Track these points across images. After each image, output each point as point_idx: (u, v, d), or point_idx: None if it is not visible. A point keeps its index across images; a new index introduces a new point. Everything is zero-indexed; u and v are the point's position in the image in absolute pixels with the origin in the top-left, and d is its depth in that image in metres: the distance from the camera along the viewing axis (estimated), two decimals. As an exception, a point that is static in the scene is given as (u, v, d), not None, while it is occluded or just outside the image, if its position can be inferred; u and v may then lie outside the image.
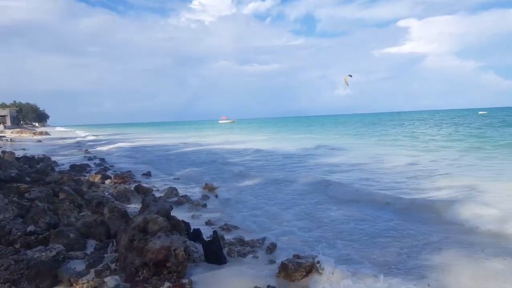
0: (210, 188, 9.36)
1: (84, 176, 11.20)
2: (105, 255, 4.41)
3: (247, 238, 5.31)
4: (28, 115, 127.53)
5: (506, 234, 5.23)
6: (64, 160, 16.81)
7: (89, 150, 23.27)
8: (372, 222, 6.24)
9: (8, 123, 79.92)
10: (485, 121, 46.70)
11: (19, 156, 15.25)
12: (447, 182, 9.13)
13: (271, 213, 6.93)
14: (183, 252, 3.88)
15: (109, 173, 12.22)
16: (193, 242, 4.71)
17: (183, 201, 7.91)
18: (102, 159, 17.15)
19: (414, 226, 5.90)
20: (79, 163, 14.17)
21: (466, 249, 4.78)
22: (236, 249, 4.76)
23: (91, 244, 4.86)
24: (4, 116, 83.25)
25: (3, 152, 15.26)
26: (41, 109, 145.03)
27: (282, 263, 4.03)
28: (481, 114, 79.68)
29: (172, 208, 5.13)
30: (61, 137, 45.75)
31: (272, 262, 4.44)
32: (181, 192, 8.83)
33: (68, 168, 12.91)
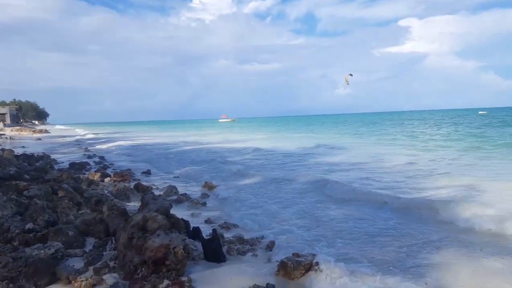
0: (209, 187, 9.37)
1: (84, 174, 11.19)
2: (104, 253, 4.41)
3: (246, 236, 5.31)
4: (28, 113, 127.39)
5: (505, 233, 5.25)
6: (63, 158, 16.81)
7: (88, 148, 23.27)
8: (371, 221, 6.24)
9: (8, 121, 79.83)
10: (484, 121, 46.73)
11: (19, 154, 15.24)
12: (446, 182, 9.13)
13: (270, 211, 6.93)
14: (182, 250, 3.87)
15: (108, 171, 12.21)
16: (192, 240, 4.71)
17: (183, 199, 7.91)
18: (102, 157, 17.14)
19: (413, 225, 5.90)
20: (78, 161, 14.17)
21: (464, 248, 4.79)
22: (236, 248, 4.77)
23: (90, 242, 4.86)
24: (4, 114, 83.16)
25: (3, 150, 15.26)
26: (41, 107, 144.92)
27: (282, 261, 4.04)
28: (481, 114, 79.64)
29: (171, 206, 5.12)
30: (61, 135, 45.76)
31: (271, 260, 4.44)
32: (181, 190, 8.84)
33: (68, 166, 12.92)
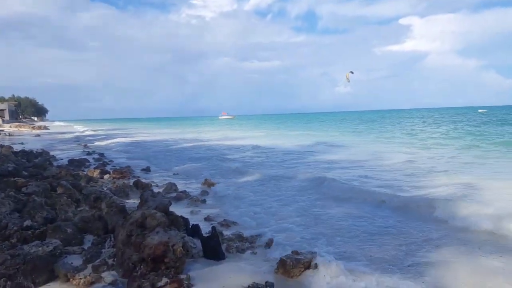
0: (209, 184, 9.35)
1: (83, 171, 11.16)
2: (103, 250, 4.40)
3: (245, 234, 5.31)
4: (27, 109, 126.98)
5: (503, 232, 5.25)
6: (62, 154, 16.76)
7: (88, 145, 23.21)
8: (370, 219, 6.24)
9: (7, 117, 79.61)
10: (483, 119, 46.75)
11: (17, 150, 15.19)
12: (444, 180, 9.14)
13: (270, 209, 6.94)
14: (181, 248, 3.87)
15: (108, 168, 12.19)
16: (191, 238, 4.71)
17: (182, 196, 7.89)
18: (101, 154, 17.09)
19: (411, 224, 5.91)
20: (77, 158, 14.12)
21: (463, 247, 4.80)
22: (235, 245, 4.76)
23: (89, 239, 4.84)
24: (3, 110, 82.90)
25: (1, 146, 15.22)
26: (40, 103, 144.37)
27: (281, 259, 4.03)
28: (480, 112, 79.62)
29: (170, 204, 5.11)
30: (60, 131, 45.66)
31: (270, 258, 4.44)
32: (180, 187, 8.82)
33: (67, 163, 12.87)
